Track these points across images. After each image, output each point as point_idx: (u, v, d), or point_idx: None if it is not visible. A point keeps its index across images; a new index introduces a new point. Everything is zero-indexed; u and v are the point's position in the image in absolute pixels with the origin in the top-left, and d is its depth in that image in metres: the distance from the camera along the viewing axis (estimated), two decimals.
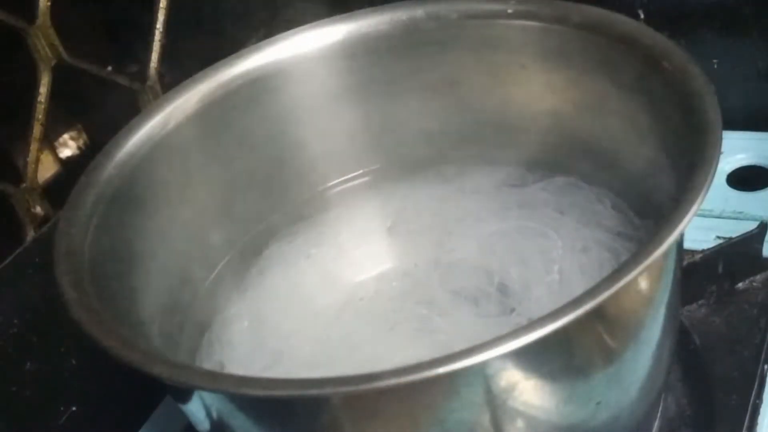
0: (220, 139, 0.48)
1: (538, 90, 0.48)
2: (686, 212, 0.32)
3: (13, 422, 0.49)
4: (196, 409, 0.36)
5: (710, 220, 0.53)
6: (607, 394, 0.36)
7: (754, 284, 0.49)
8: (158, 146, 0.45)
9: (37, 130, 0.53)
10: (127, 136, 0.44)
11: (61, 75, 0.54)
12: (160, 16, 0.60)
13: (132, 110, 0.55)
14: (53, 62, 0.54)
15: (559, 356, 0.33)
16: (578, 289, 0.31)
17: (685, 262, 0.45)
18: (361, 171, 0.52)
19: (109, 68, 0.58)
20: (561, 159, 0.49)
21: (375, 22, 0.49)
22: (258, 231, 0.50)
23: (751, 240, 0.50)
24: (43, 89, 0.53)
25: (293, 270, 0.48)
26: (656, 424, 0.43)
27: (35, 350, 0.51)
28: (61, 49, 0.54)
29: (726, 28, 0.60)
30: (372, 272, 0.47)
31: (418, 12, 0.48)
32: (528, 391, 0.33)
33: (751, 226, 0.50)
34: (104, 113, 0.62)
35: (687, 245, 0.47)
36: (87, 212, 0.40)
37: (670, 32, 0.41)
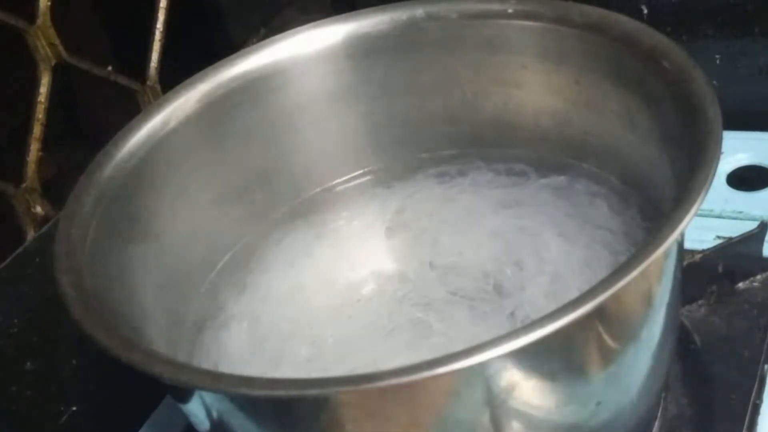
0: (220, 139, 0.48)
1: (538, 90, 0.48)
2: (686, 212, 0.32)
3: (13, 422, 0.49)
4: (196, 409, 0.36)
5: (710, 220, 0.53)
6: (607, 394, 0.36)
7: (754, 284, 0.49)
8: (158, 146, 0.45)
9: (37, 130, 0.53)
10: (127, 136, 0.44)
11: (61, 75, 0.54)
12: (160, 16, 0.60)
13: (132, 110, 0.55)
14: (53, 62, 0.54)
15: (559, 356, 0.33)
16: (576, 290, 0.31)
17: (685, 262, 0.45)
18: (361, 171, 0.52)
19: (109, 68, 0.58)
20: (560, 159, 0.49)
21: (375, 22, 0.49)
22: (257, 231, 0.50)
23: (751, 240, 0.50)
24: (43, 89, 0.53)
25: (292, 271, 0.48)
26: (656, 424, 0.43)
27: (35, 350, 0.51)
28: (61, 49, 0.54)
29: (728, 25, 0.60)
30: (370, 273, 0.47)
31: (418, 12, 0.48)
32: (528, 391, 0.33)
33: (751, 226, 0.50)
34: (104, 113, 0.62)
35: (687, 245, 0.47)
36: (87, 212, 0.40)
37: (672, 28, 0.41)
